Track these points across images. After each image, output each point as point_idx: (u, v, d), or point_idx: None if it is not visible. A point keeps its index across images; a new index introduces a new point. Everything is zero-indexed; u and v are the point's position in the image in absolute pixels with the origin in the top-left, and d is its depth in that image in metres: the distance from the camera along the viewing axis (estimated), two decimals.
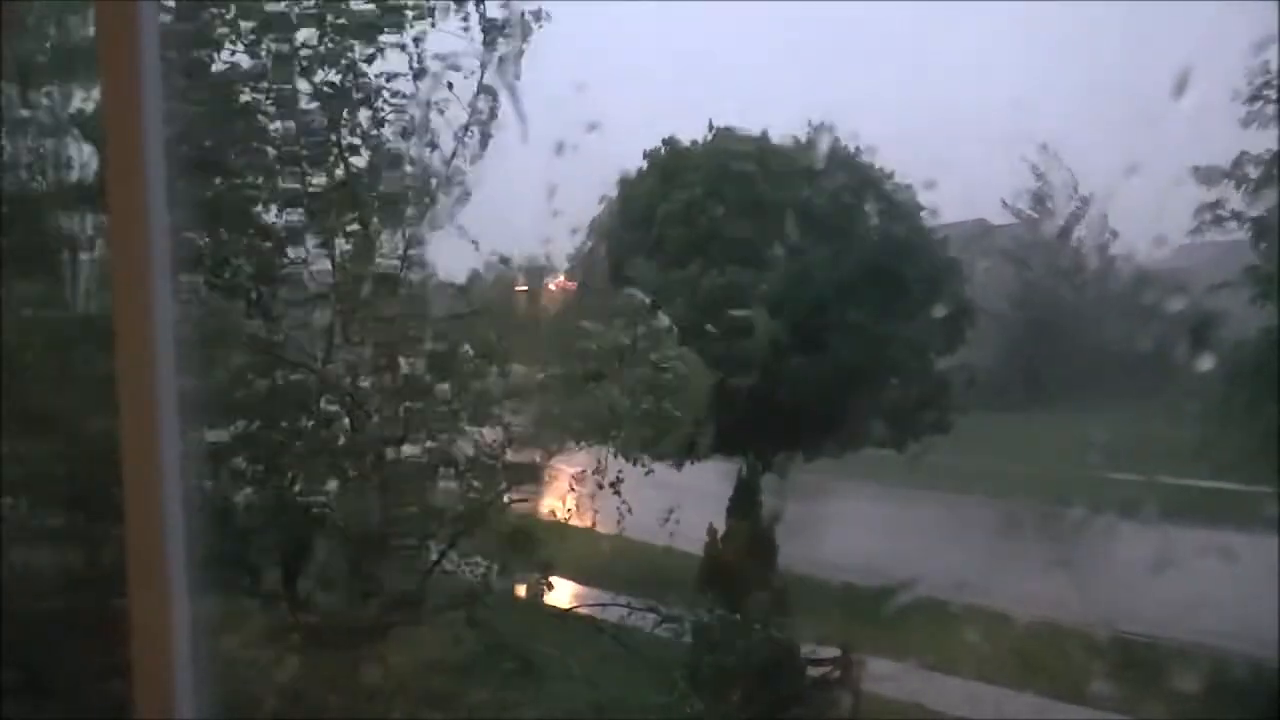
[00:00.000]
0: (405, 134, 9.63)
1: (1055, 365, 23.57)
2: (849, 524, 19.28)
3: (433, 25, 9.50)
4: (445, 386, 9.44)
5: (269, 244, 9.36)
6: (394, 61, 9.39)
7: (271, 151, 9.15)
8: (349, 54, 9.23)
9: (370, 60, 9.29)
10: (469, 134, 9.72)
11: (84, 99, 7.72)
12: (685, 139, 18.04)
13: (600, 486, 10.52)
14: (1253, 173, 13.59)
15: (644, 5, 19.22)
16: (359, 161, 9.46)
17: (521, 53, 9.74)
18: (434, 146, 9.74)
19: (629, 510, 10.56)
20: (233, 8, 9.00)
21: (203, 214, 8.67)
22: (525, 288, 10.57)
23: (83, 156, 7.90)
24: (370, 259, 9.43)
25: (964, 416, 18.18)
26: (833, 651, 13.77)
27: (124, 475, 1.78)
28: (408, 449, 9.40)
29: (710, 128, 17.93)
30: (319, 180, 9.34)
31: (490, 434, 9.72)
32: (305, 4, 9.22)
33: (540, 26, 9.86)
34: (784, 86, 22.39)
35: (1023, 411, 22.30)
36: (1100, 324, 24.03)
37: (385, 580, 9.33)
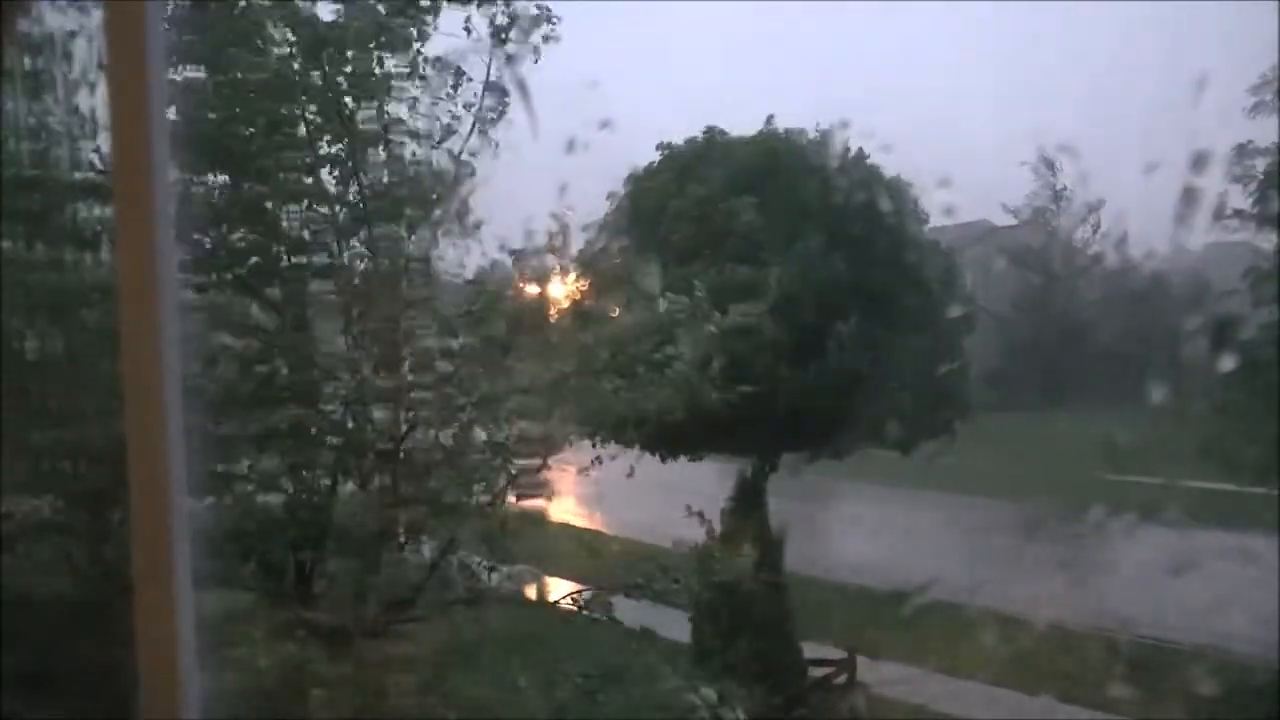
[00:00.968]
0: (414, 134, 9.63)
1: (1060, 366, 23.55)
2: (853, 526, 19.27)
3: (435, 28, 9.49)
4: (451, 385, 9.45)
5: (275, 241, 9.36)
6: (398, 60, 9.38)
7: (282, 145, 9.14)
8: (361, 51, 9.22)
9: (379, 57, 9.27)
10: (479, 131, 9.73)
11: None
12: (697, 137, 18.05)
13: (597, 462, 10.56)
14: (1257, 169, 13.51)
15: (656, 5, 19.27)
16: (367, 159, 9.45)
17: (535, 50, 9.74)
18: (440, 144, 9.74)
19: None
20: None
21: (210, 210, 8.69)
22: (534, 285, 10.54)
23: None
24: (377, 257, 9.44)
25: (968, 418, 18.14)
26: (838, 654, 13.78)
27: (129, 472, 1.77)
28: (412, 446, 9.41)
29: (723, 126, 17.96)
30: (327, 178, 9.35)
31: (495, 432, 9.72)
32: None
33: (552, 26, 9.86)
34: (795, 85, 22.43)
35: (1031, 412, 22.28)
36: (1107, 325, 24.00)
37: (389, 578, 9.34)
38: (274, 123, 9.01)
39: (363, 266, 9.46)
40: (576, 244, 10.74)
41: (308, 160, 9.22)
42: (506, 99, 9.81)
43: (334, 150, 9.41)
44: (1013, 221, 24.97)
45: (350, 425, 9.31)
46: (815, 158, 17.10)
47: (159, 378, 1.77)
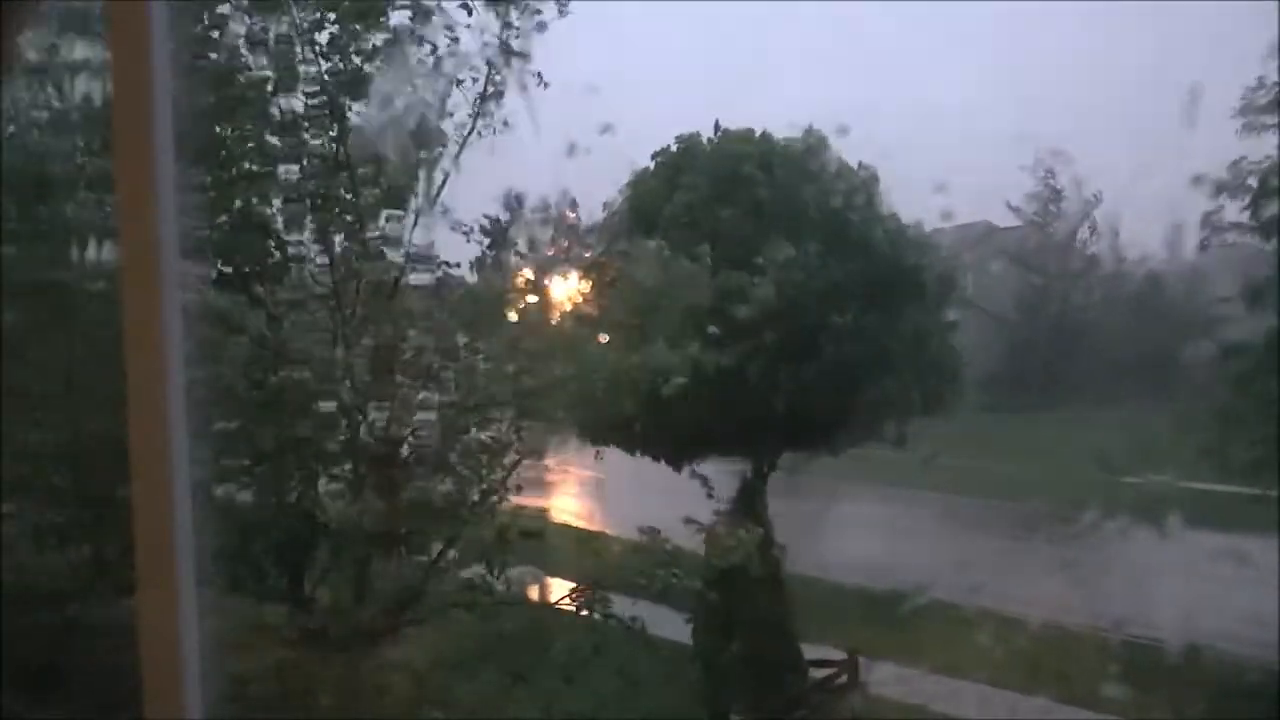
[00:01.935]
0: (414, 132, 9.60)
1: (1059, 367, 23.55)
2: (852, 525, 19.26)
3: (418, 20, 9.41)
4: (447, 381, 9.41)
5: (269, 239, 9.31)
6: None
7: (273, 141, 9.10)
8: (355, 41, 9.16)
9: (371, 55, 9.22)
10: (478, 127, 9.72)
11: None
12: (691, 140, 18.03)
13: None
14: (1252, 181, 13.51)
15: (657, 7, 19.26)
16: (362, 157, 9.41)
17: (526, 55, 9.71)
18: (434, 141, 9.70)
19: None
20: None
21: (202, 206, 8.63)
22: (533, 285, 10.52)
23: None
24: (371, 256, 9.40)
25: (967, 418, 18.16)
26: (838, 654, 13.77)
27: (132, 473, 1.77)
28: (405, 447, 9.37)
29: (716, 129, 17.93)
30: (320, 176, 9.29)
31: (491, 431, 9.70)
32: None
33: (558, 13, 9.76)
34: (790, 89, 22.44)
35: (1029, 413, 22.28)
36: (1106, 327, 24.02)
37: (386, 580, 9.31)
38: (263, 114, 8.96)
39: (355, 266, 9.39)
40: (579, 246, 10.73)
41: (296, 153, 9.14)
42: (502, 83, 9.72)
43: (322, 143, 9.32)
44: (1012, 223, 24.97)
45: (344, 426, 9.27)
46: (810, 160, 17.10)
47: (161, 377, 1.77)
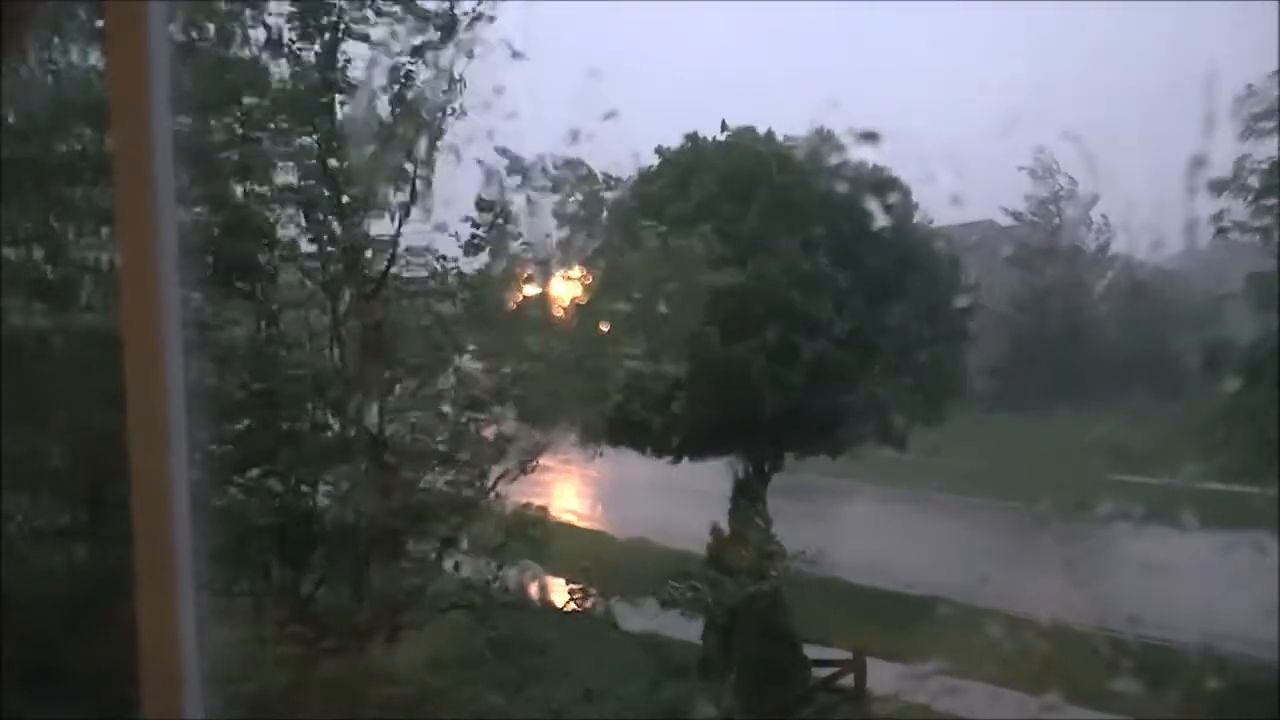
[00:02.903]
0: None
1: (1063, 365, 23.53)
2: (854, 525, 19.25)
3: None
4: (445, 381, 9.40)
5: (263, 239, 9.30)
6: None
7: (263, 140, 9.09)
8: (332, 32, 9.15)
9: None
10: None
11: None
12: (694, 137, 18.02)
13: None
14: (1254, 181, 13.49)
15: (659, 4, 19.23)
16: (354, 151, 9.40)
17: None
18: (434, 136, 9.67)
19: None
20: None
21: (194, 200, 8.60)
22: (533, 281, 10.52)
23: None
24: (366, 254, 9.39)
25: (967, 418, 18.15)
26: (841, 654, 13.76)
27: (131, 472, 1.77)
28: (404, 446, 9.36)
29: (723, 128, 17.92)
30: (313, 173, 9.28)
31: (489, 429, 9.69)
32: None
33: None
34: (794, 85, 22.43)
35: (1033, 411, 22.25)
36: (1110, 324, 24.00)
37: (385, 578, 9.31)
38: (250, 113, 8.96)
39: (350, 265, 9.38)
40: (578, 242, 10.71)
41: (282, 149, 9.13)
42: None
43: (309, 141, 9.29)
44: (1013, 223, 24.93)
45: (340, 425, 9.26)
46: (816, 158, 17.10)
47: (160, 377, 1.76)
